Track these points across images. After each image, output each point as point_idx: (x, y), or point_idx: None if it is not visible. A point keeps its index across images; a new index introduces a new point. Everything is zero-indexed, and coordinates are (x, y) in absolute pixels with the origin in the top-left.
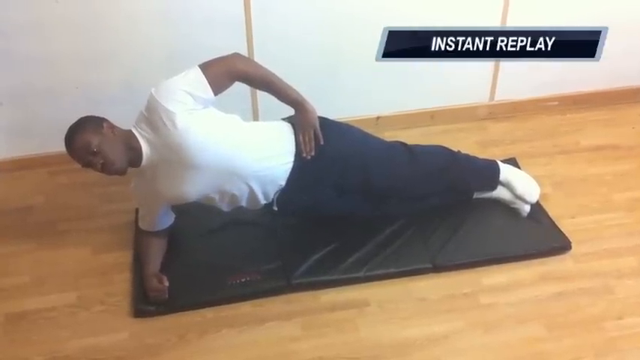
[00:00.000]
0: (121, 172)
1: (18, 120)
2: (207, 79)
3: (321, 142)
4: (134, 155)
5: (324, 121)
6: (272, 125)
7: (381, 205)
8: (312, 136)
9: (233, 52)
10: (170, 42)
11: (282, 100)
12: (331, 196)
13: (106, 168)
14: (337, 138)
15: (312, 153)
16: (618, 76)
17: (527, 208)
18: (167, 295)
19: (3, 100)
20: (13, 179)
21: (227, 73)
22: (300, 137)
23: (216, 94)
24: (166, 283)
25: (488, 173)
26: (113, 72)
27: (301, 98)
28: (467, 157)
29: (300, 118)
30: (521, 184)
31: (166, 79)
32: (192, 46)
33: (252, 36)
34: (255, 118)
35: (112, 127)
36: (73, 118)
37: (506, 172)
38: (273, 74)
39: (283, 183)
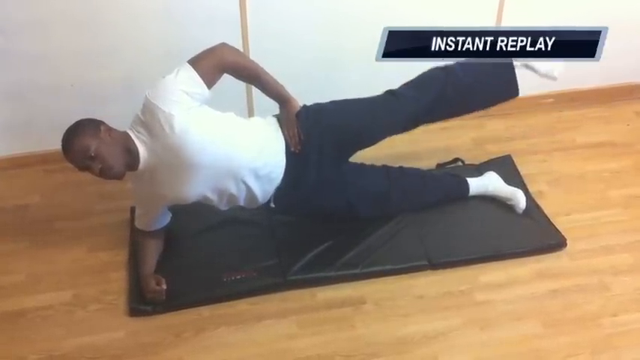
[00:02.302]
0: (119, 177)
1: (15, 118)
2: (199, 75)
3: (302, 137)
4: (131, 158)
5: (300, 112)
6: (264, 122)
7: (378, 204)
8: (297, 130)
9: (220, 42)
10: (168, 39)
11: (268, 94)
12: (328, 191)
13: (104, 172)
14: (314, 115)
15: (299, 147)
16: (614, 74)
17: (522, 205)
18: (164, 297)
19: (1, 97)
20: (9, 177)
21: (217, 66)
22: (287, 132)
23: (209, 87)
24: (164, 286)
25: (498, 71)
26: (111, 69)
27: (287, 94)
28: (466, 66)
29: (286, 114)
30: (541, 63)
31: (162, 77)
32: (189, 43)
33: (247, 34)
34: (251, 116)
35: (110, 130)
36: (71, 116)
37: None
38: (262, 68)
39: (280, 179)
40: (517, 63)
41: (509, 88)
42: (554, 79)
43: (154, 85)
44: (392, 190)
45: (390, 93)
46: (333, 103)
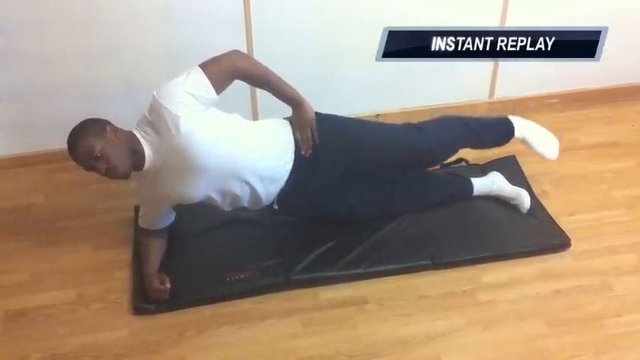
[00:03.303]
0: (125, 177)
1: (17, 117)
2: (208, 79)
3: (317, 141)
4: (137, 158)
5: (318, 117)
6: (272, 124)
7: (382, 205)
8: (310, 134)
9: (232, 49)
10: (169, 39)
11: (280, 98)
12: (332, 194)
13: (109, 172)
14: (334, 129)
15: (311, 151)
16: (618, 74)
17: (526, 205)
18: (168, 296)
19: (2, 97)
20: (13, 176)
21: (227, 72)
22: (299, 135)
23: (218, 93)
24: (168, 285)
25: (501, 130)
26: (112, 69)
27: (299, 96)
28: (477, 120)
29: (298, 117)
30: (538, 142)
31: (168, 78)
32: (191, 43)
33: (251, 33)
34: (255, 117)
35: (115, 130)
36: (73, 116)
37: (521, 128)
38: (272, 72)
39: (284, 182)
40: (518, 135)
41: (500, 142)
42: (548, 158)
43: (161, 85)
44: (395, 191)
45: (413, 126)
46: (356, 122)
